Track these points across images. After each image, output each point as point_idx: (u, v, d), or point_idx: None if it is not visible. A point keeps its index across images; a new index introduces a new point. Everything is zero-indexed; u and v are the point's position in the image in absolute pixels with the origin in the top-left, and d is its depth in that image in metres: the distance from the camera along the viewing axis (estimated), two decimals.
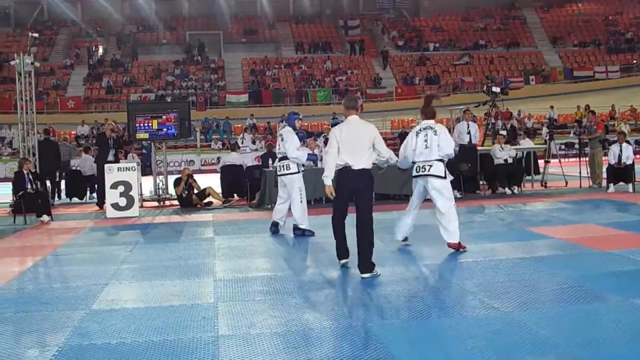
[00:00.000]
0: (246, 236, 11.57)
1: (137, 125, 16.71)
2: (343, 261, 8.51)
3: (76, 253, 10.63)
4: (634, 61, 48.45)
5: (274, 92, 44.31)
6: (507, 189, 16.71)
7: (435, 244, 10.16)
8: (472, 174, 16.94)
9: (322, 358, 5.23)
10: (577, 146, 18.59)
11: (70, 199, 18.98)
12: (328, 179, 8.39)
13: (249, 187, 16.50)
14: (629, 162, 16.37)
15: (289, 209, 11.55)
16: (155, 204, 17.11)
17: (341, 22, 52.86)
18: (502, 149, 17.10)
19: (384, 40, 50.59)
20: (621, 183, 16.50)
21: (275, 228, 11.68)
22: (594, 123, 18.28)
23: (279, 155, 11.49)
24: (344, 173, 8.23)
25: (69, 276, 8.87)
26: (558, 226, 11.55)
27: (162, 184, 17.38)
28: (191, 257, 9.70)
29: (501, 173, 16.94)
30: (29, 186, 14.77)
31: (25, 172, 14.90)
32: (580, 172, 17.79)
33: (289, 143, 11.21)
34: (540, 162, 19.35)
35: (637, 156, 19.62)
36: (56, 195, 18.86)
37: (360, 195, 8.25)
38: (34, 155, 17.50)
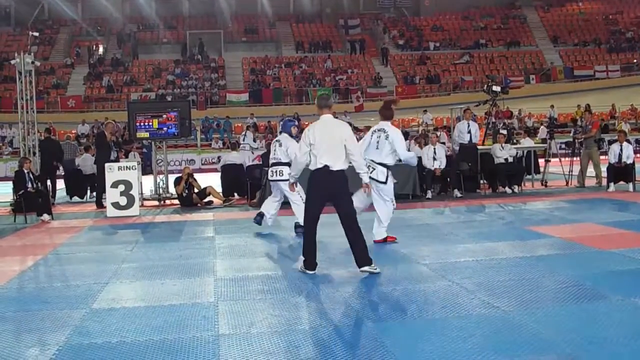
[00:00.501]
0: (247, 235, 11.57)
1: (138, 124, 16.71)
2: (311, 273, 8.22)
3: (77, 252, 10.63)
4: (635, 60, 48.46)
5: (274, 92, 44.31)
6: (507, 188, 16.71)
7: (435, 243, 10.18)
8: (472, 173, 16.96)
9: (323, 357, 5.23)
10: (561, 145, 18.51)
11: (71, 198, 18.98)
12: (293, 178, 8.57)
13: (250, 186, 16.51)
14: (630, 161, 16.35)
15: (280, 208, 11.71)
16: (156, 203, 17.11)
17: (341, 21, 52.84)
18: (503, 148, 17.11)
19: (385, 40, 50.55)
20: (621, 182, 16.49)
21: (259, 218, 11.72)
22: (589, 122, 18.27)
23: (273, 161, 11.52)
24: (323, 175, 8.05)
25: (70, 275, 8.87)
26: (558, 225, 11.55)
27: (163, 183, 17.38)
28: (192, 256, 9.70)
29: (501, 172, 16.94)
30: (30, 185, 14.77)
31: (25, 171, 14.91)
32: (570, 172, 17.72)
33: (292, 148, 11.08)
34: (541, 161, 19.35)
35: (638, 155, 19.59)
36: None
37: (340, 196, 8.15)
38: (34, 154, 17.50)
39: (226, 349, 5.47)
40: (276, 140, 11.75)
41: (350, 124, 36.72)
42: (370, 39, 51.78)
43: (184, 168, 17.57)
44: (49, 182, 17.36)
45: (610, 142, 18.76)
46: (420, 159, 16.94)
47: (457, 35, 51.87)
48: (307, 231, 8.31)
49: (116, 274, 8.71)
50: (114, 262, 9.53)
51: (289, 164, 10.89)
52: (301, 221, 11.05)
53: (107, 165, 15.07)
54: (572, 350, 5.21)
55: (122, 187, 14.75)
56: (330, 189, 8.09)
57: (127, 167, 15.03)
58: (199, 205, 16.39)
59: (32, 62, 17.75)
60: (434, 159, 16.37)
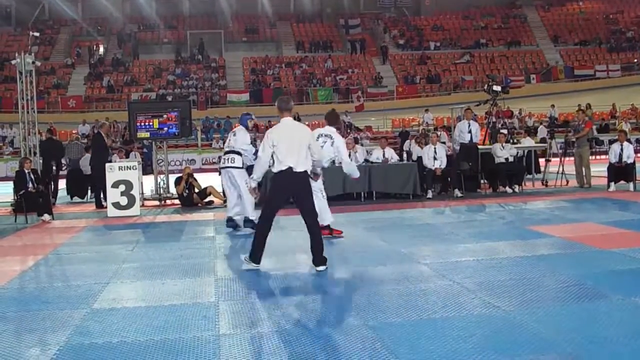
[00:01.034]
0: (247, 235, 11.55)
1: (138, 124, 16.72)
2: (256, 267, 8.49)
3: (77, 252, 10.64)
4: (635, 60, 48.46)
5: (274, 91, 44.24)
6: (508, 188, 16.71)
7: (435, 242, 10.18)
8: (473, 172, 16.97)
9: (324, 357, 5.23)
10: (561, 145, 18.41)
11: (72, 198, 18.99)
12: (255, 182, 8.70)
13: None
14: (630, 160, 16.34)
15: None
16: (156, 203, 17.12)
17: (342, 21, 52.84)
18: (503, 147, 17.10)
19: (385, 39, 50.54)
20: (622, 182, 16.48)
21: (232, 223, 11.91)
22: (582, 122, 18.24)
23: (226, 149, 11.99)
24: (287, 176, 8.24)
25: (70, 275, 8.88)
26: (559, 225, 11.55)
27: (163, 183, 17.39)
28: (192, 256, 9.70)
29: (502, 172, 16.94)
30: (30, 185, 14.78)
31: (26, 171, 14.92)
32: (562, 172, 17.65)
33: (241, 138, 11.84)
34: (541, 160, 19.34)
35: (638, 155, 19.56)
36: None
37: (303, 196, 8.40)
38: (34, 154, 17.51)
39: (227, 349, 5.47)
40: (232, 132, 12.36)
41: (351, 124, 36.89)
42: (371, 38, 51.77)
43: (184, 168, 17.59)
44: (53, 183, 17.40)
45: (611, 142, 18.71)
46: (420, 158, 16.99)
47: (457, 34, 51.87)
48: (263, 226, 8.50)
49: (117, 274, 8.71)
50: (115, 262, 9.53)
51: (240, 153, 11.65)
52: (251, 215, 11.48)
53: (107, 165, 15.08)
54: (573, 349, 5.21)
55: (122, 187, 14.76)
56: (294, 190, 8.37)
57: (127, 167, 15.03)
58: (199, 205, 16.40)
59: (33, 62, 17.76)
60: (435, 158, 16.38)
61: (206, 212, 15.24)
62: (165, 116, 16.77)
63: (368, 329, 5.88)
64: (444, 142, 18.26)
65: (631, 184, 16.27)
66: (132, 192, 14.85)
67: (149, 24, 52.02)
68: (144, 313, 6.71)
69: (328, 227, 10.80)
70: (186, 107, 18.15)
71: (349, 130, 35.19)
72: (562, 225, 11.53)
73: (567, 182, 17.76)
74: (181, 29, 51.97)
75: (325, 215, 10.56)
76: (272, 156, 8.33)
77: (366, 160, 16.90)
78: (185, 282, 8.11)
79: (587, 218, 12.47)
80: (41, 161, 17.69)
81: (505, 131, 18.82)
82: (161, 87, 44.01)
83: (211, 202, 16.64)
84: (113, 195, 14.84)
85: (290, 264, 9.12)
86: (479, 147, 17.43)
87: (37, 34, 25.22)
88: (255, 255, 8.51)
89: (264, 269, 8.72)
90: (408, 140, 22.33)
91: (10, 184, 15.87)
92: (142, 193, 16.69)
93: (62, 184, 19.10)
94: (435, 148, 16.53)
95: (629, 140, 18.20)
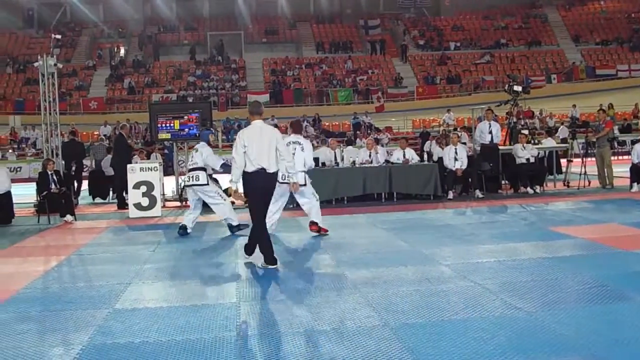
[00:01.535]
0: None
1: (159, 125, 16.79)
2: (273, 267, 8.72)
3: (99, 252, 10.71)
4: None
5: (295, 92, 44.35)
6: (529, 189, 16.61)
7: (456, 243, 10.14)
8: (494, 173, 16.89)
9: (344, 357, 5.23)
10: (582, 145, 18.19)
11: (94, 199, 19.11)
12: (234, 184, 8.88)
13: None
14: None
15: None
16: (178, 203, 17.16)
17: (362, 21, 52.78)
18: (524, 148, 17.01)
19: (405, 40, 50.39)
20: None
21: (183, 231, 11.97)
22: (603, 122, 18.07)
23: (190, 166, 12.04)
24: (260, 176, 8.63)
25: (93, 275, 8.94)
26: (581, 226, 11.47)
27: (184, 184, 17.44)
28: (213, 256, 9.74)
29: (523, 172, 16.85)
30: (53, 186, 14.90)
31: (49, 172, 15.05)
32: (584, 172, 17.47)
33: (207, 153, 11.97)
34: (563, 161, 19.21)
35: None
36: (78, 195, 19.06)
37: (271, 196, 9.10)
38: (57, 155, 17.64)
39: (248, 349, 5.49)
40: (194, 149, 12.35)
41: (371, 125, 36.85)
42: (391, 39, 51.67)
43: None
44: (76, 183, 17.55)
45: (634, 142, 18.52)
46: (441, 159, 16.94)
47: (477, 35, 51.65)
48: (260, 230, 8.80)
49: (138, 274, 8.76)
50: (137, 262, 9.58)
51: (205, 169, 11.89)
52: (232, 221, 11.85)
53: (129, 166, 15.16)
54: (596, 351, 5.18)
55: (144, 188, 14.83)
56: (267, 189, 8.82)
57: (148, 168, 15.09)
58: None
59: (55, 65, 17.89)
60: (455, 159, 16.33)
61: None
62: (186, 117, 16.83)
63: (389, 330, 5.88)
64: (464, 143, 18.19)
65: None
66: (153, 193, 14.91)
67: (169, 26, 52.26)
68: (165, 313, 6.75)
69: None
70: (207, 108, 18.22)
71: (369, 131, 35.17)
72: (584, 226, 11.45)
73: (589, 182, 17.57)
74: (201, 30, 52.18)
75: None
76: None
77: (387, 161, 16.89)
78: (206, 282, 8.15)
79: (610, 219, 12.37)
80: (63, 162, 17.82)
81: (526, 131, 18.71)
82: (182, 89, 44.17)
83: (232, 203, 16.65)
84: (134, 196, 14.91)
85: (311, 264, 9.13)
86: (500, 147, 17.34)
87: (59, 37, 25.44)
88: (268, 257, 8.73)
89: (285, 269, 8.74)
90: (429, 141, 22.26)
91: (34, 185, 16.00)
92: (164, 194, 16.77)
93: (83, 185, 19.23)
94: (456, 149, 16.48)
95: None
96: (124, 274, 8.77)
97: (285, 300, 7.11)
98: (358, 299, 7.01)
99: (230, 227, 11.94)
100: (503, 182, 17.57)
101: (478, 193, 16.29)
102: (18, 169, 31.63)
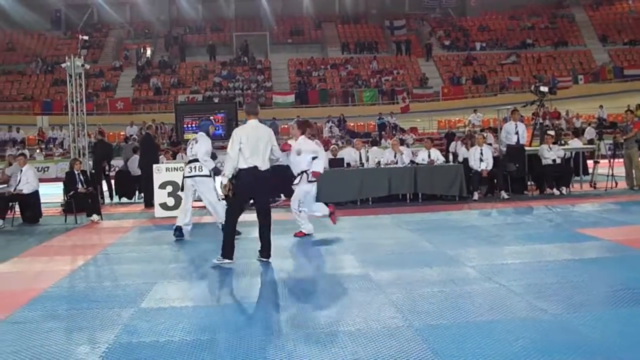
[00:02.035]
0: (292, 236, 11.60)
1: (185, 126, 16.90)
2: (228, 262, 9.04)
3: (125, 252, 10.80)
4: None
5: (320, 93, 44.34)
6: (555, 190, 16.52)
7: (482, 245, 10.11)
8: (519, 174, 16.80)
9: (369, 358, 5.23)
10: (609, 146, 18.03)
11: (120, 199, 19.26)
12: (226, 178, 9.18)
13: None
14: None
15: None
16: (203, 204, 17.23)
17: (387, 22, 52.65)
18: (550, 149, 16.90)
19: (431, 40, 50.20)
20: None
21: (179, 232, 11.67)
22: (631, 122, 17.88)
23: (190, 158, 11.78)
24: (252, 173, 9.06)
25: (119, 275, 9.02)
26: (608, 227, 11.38)
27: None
28: (238, 256, 9.76)
29: (549, 173, 16.76)
30: (80, 186, 15.03)
31: (76, 172, 15.19)
32: (611, 174, 17.26)
33: (202, 146, 11.59)
34: (589, 162, 19.06)
35: None
36: (107, 195, 19.26)
37: (261, 194, 9.39)
38: (84, 155, 17.80)
39: (273, 349, 5.51)
40: (193, 139, 12.09)
41: (396, 125, 36.78)
42: (416, 39, 51.50)
43: None
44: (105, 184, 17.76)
45: None
46: (466, 160, 16.89)
47: (503, 35, 51.31)
48: (231, 224, 9.15)
49: (164, 273, 8.82)
50: (162, 262, 9.65)
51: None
52: (223, 221, 11.35)
53: (155, 166, 15.26)
54: (622, 354, 5.14)
55: (169, 188, 14.92)
56: (255, 187, 9.18)
57: (174, 168, 15.18)
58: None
59: (82, 65, 18.07)
60: (481, 160, 16.28)
61: (252, 213, 15.27)
62: (211, 118, 16.90)
63: (413, 331, 5.87)
64: (490, 144, 18.13)
65: None
66: (179, 193, 14.98)
67: (195, 27, 52.51)
68: (190, 313, 6.79)
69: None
70: (232, 108, 18.29)
71: (394, 132, 35.10)
72: (611, 228, 11.36)
73: (616, 184, 17.40)
74: (227, 31, 52.35)
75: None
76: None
77: (412, 162, 16.86)
78: (231, 282, 8.19)
79: (637, 221, 12.26)
80: (90, 162, 18.01)
81: (552, 132, 18.57)
82: (207, 89, 44.33)
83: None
84: (160, 196, 15.01)
85: (335, 265, 9.13)
86: (526, 148, 17.24)
87: (86, 38, 25.71)
88: (226, 251, 9.07)
89: (309, 269, 8.76)
90: (454, 142, 22.18)
91: (61, 185, 16.15)
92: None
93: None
94: (481, 149, 16.42)
95: None
96: (150, 273, 8.84)
97: (309, 301, 7.12)
98: (382, 300, 7.00)
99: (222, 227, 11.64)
100: (529, 183, 17.48)
101: (503, 194, 16.21)
102: (46, 169, 31.93)
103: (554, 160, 16.81)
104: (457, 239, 10.61)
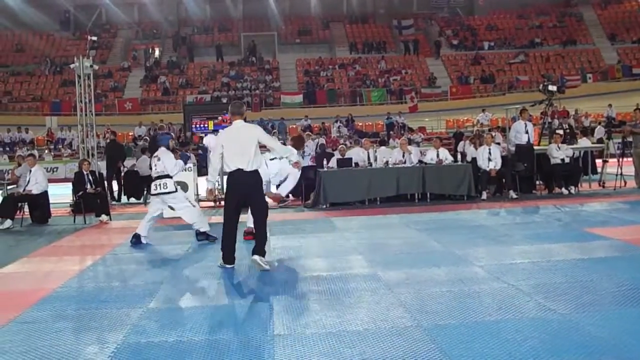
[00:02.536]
0: (301, 236, 11.62)
1: (194, 126, 16.94)
2: (230, 266, 8.88)
3: (134, 252, 10.82)
4: None
5: (328, 93, 44.33)
6: (564, 189, 16.47)
7: (490, 244, 10.09)
8: (528, 173, 16.76)
9: (377, 357, 5.23)
10: (618, 145, 17.93)
11: (128, 199, 19.30)
12: (211, 183, 9.16)
13: (304, 187, 16.51)
14: None
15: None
16: (211, 204, 17.25)
17: (395, 21, 52.60)
18: (559, 148, 16.86)
19: (439, 40, 50.13)
20: None
21: (136, 240, 11.49)
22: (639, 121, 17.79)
23: (155, 175, 11.52)
24: (237, 176, 8.69)
25: (127, 275, 9.04)
26: (617, 227, 11.34)
27: (218, 184, 17.52)
28: (246, 256, 9.76)
29: (558, 173, 16.71)
30: (89, 186, 15.07)
31: (85, 172, 15.23)
32: (620, 173, 17.17)
33: (167, 162, 11.43)
34: (598, 161, 18.99)
35: None
36: (119, 195, 19.33)
37: (253, 196, 8.87)
38: (92, 155, 17.86)
39: (281, 349, 5.51)
40: (155, 156, 11.73)
41: (404, 125, 36.75)
42: (424, 39, 51.44)
43: None
44: (115, 184, 17.81)
45: None
46: (474, 159, 16.86)
47: (511, 34, 51.19)
48: (227, 229, 8.85)
49: (172, 274, 8.85)
50: (171, 262, 9.67)
51: (170, 177, 11.41)
52: (200, 228, 11.42)
53: None
54: (631, 354, 5.12)
55: (178, 189, 14.90)
56: (245, 189, 8.77)
57: (183, 168, 15.17)
58: None
59: (91, 66, 18.13)
60: (489, 159, 16.25)
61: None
62: (220, 118, 16.96)
63: (422, 331, 5.86)
64: (498, 143, 18.10)
65: None
66: (187, 193, 14.99)
67: (203, 27, 52.59)
68: (199, 313, 6.80)
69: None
70: None
71: (402, 131, 35.07)
72: (620, 227, 11.32)
73: (625, 183, 17.32)
74: (235, 31, 52.39)
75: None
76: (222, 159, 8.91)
77: (420, 161, 16.85)
78: (239, 282, 8.20)
79: None
80: (99, 163, 18.09)
81: (561, 131, 18.52)
82: (216, 89, 44.37)
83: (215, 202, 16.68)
84: None
85: (344, 264, 9.12)
86: (535, 147, 17.20)
87: (94, 38, 25.78)
88: (225, 256, 8.90)
89: (318, 270, 8.76)
90: (462, 141, 22.15)
91: (69, 185, 16.20)
92: (198, 194, 16.85)
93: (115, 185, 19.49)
94: (489, 149, 16.39)
95: None
96: (158, 273, 8.86)
97: (318, 300, 7.11)
98: (391, 300, 7.00)
99: (198, 233, 11.47)
100: (537, 182, 17.43)
101: (512, 193, 16.17)
102: (54, 169, 32.00)
103: (562, 160, 16.76)
104: (466, 239, 10.60)
